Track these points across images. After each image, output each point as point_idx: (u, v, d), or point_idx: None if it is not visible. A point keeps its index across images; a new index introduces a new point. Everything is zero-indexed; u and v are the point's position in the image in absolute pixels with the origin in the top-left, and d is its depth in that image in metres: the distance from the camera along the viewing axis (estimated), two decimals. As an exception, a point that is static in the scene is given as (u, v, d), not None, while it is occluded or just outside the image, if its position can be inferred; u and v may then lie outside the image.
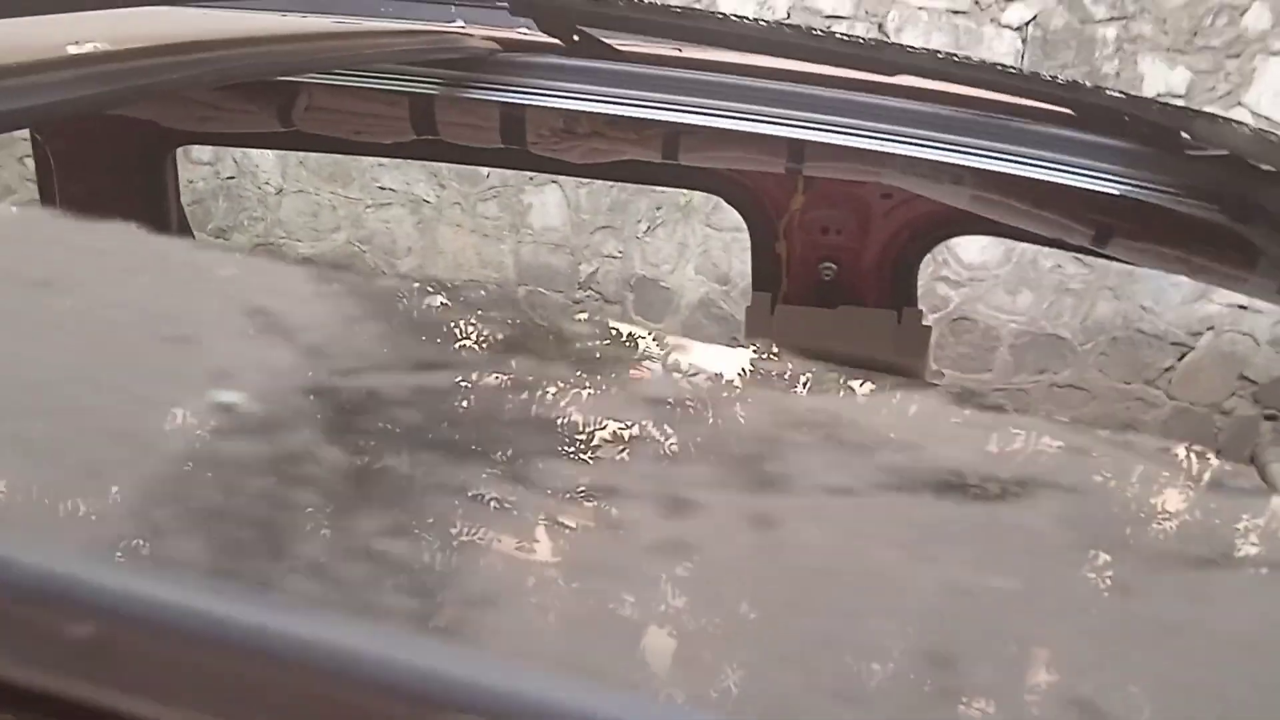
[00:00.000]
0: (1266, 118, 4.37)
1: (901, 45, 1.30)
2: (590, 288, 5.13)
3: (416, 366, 0.48)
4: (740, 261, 5.00)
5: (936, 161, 1.26)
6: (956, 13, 4.56)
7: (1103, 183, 1.20)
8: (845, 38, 1.19)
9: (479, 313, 0.61)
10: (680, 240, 5.00)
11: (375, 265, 5.23)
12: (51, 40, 0.66)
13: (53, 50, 0.65)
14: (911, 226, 1.60)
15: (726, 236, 4.97)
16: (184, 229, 2.02)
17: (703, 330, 5.07)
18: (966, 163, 1.23)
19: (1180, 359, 4.67)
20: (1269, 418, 4.65)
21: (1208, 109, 4.40)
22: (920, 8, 4.57)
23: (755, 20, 1.23)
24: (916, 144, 1.24)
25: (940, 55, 1.18)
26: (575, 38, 1.37)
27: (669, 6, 1.30)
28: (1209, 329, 4.60)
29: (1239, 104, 4.38)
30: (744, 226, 4.87)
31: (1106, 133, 1.22)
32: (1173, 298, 4.58)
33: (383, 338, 0.50)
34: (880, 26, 4.61)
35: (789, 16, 4.66)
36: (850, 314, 1.63)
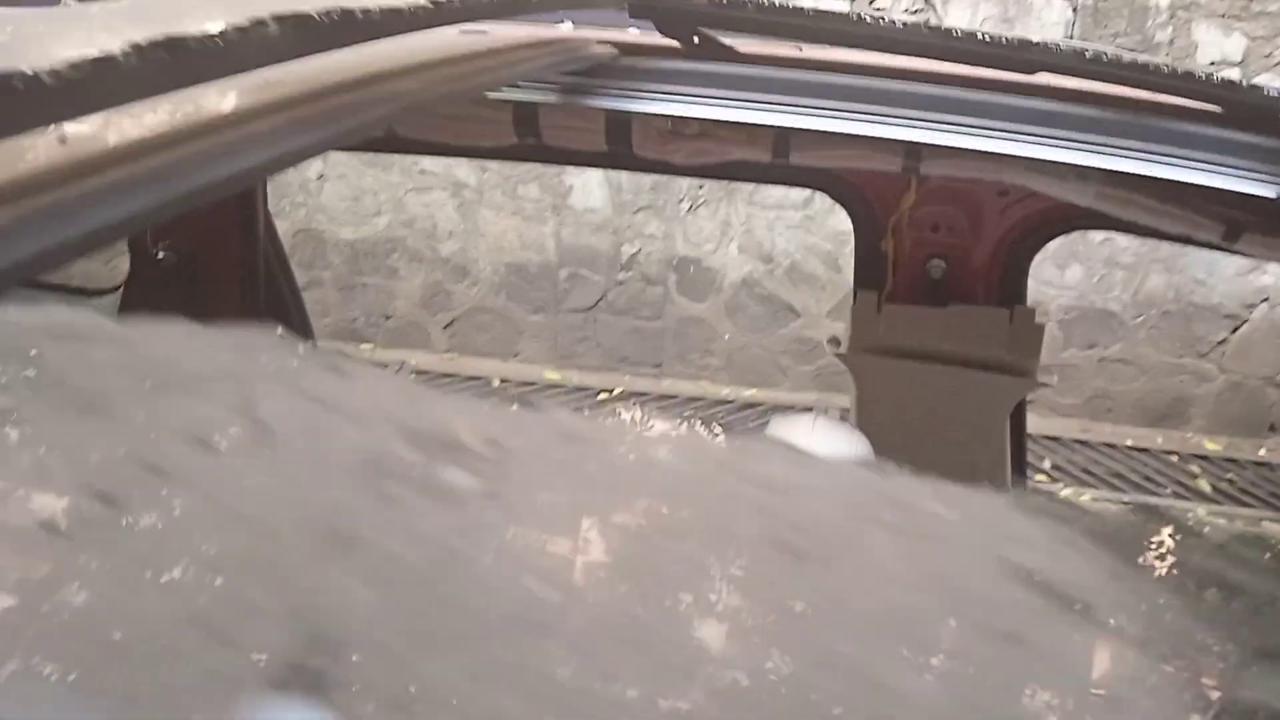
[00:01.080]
0: (1324, 85, 4.29)
1: (1047, 44, 1.26)
2: (633, 268, 5.10)
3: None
4: (783, 239, 4.96)
5: (1062, 161, 1.22)
6: (1004, -17, 4.48)
7: (1246, 182, 1.16)
8: (987, 37, 1.15)
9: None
10: (723, 219, 4.96)
11: (417, 249, 5.21)
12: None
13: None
14: (1026, 223, 1.57)
15: (770, 215, 4.93)
16: (270, 232, 2.00)
17: (747, 310, 5.04)
18: (1095, 163, 1.19)
19: (1233, 331, 4.62)
20: (1325, 390, 4.61)
21: (1263, 76, 4.32)
22: (967, -22, 4.50)
23: (891, 21, 1.20)
24: (1042, 143, 1.19)
25: (1088, 54, 1.14)
26: (695, 39, 1.33)
27: (797, 7, 1.27)
28: (1263, 300, 4.54)
29: (1296, 71, 4.31)
30: (787, 205, 4.83)
31: (1257, 130, 1.18)
32: (1226, 270, 4.52)
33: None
34: (928, 0, 4.54)
35: (832, -10, 4.59)
36: (961, 313, 1.60)
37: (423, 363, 5.30)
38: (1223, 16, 4.34)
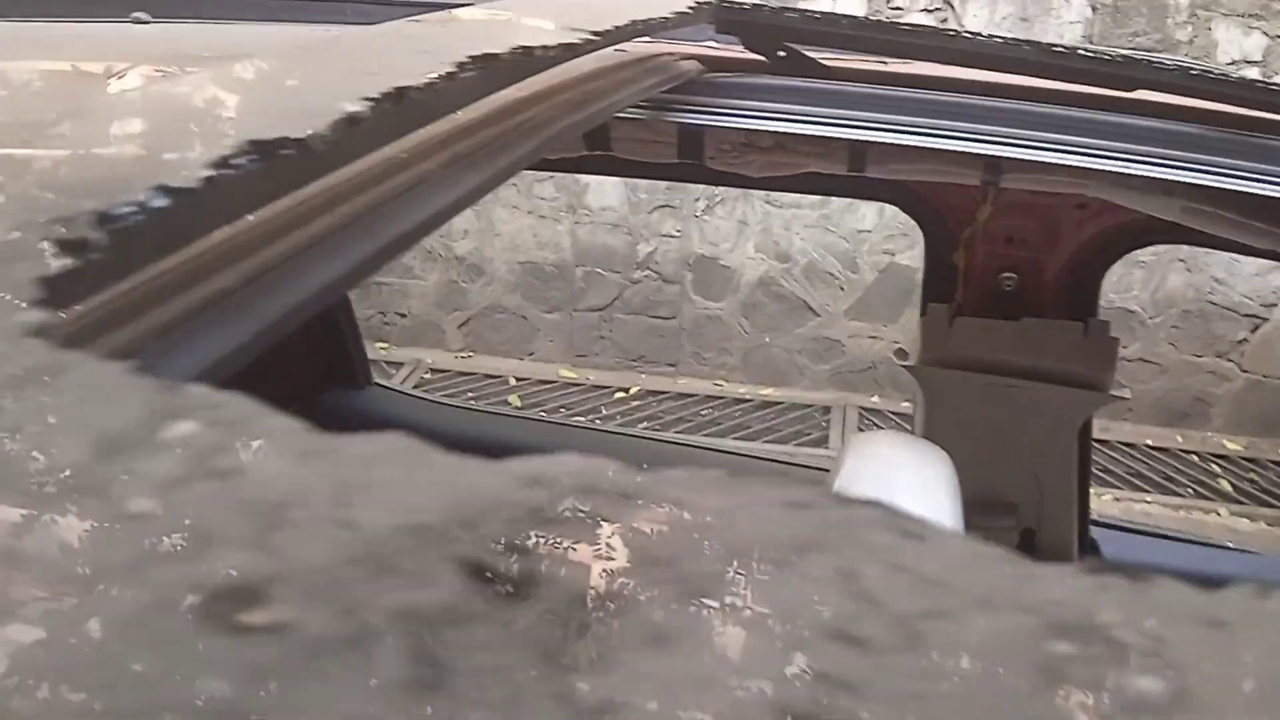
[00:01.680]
0: (1347, 84, 4.28)
1: (1150, 61, 1.24)
2: (649, 267, 5.08)
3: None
4: (800, 238, 4.94)
5: (1150, 177, 1.19)
6: (1024, -19, 4.46)
7: None
8: (1088, 53, 1.13)
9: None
10: (739, 218, 4.94)
11: (432, 247, 5.18)
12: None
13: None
14: (1103, 237, 1.55)
15: (787, 214, 4.91)
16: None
17: (764, 309, 5.02)
18: (1185, 178, 1.17)
19: (1253, 331, 4.61)
20: (1345, 389, 4.60)
21: (1285, 76, 4.31)
22: (987, -23, 4.48)
23: (989, 37, 1.17)
24: (1130, 159, 1.17)
25: (1194, 71, 1.12)
26: (781, 54, 1.31)
27: (889, 23, 1.24)
28: (1283, 300, 4.54)
29: (1318, 70, 4.29)
30: (804, 204, 4.81)
31: None
32: (1246, 269, 4.52)
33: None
34: (948, 0, 4.52)
35: (852, -12, 4.57)
36: (1034, 327, 1.58)
37: (438, 361, 5.28)
38: (1242, 15, 4.33)
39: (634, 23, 0.83)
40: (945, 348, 1.61)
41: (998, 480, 1.71)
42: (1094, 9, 4.44)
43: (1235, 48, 4.35)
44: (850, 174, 1.40)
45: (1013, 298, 1.60)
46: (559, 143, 0.86)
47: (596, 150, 1.44)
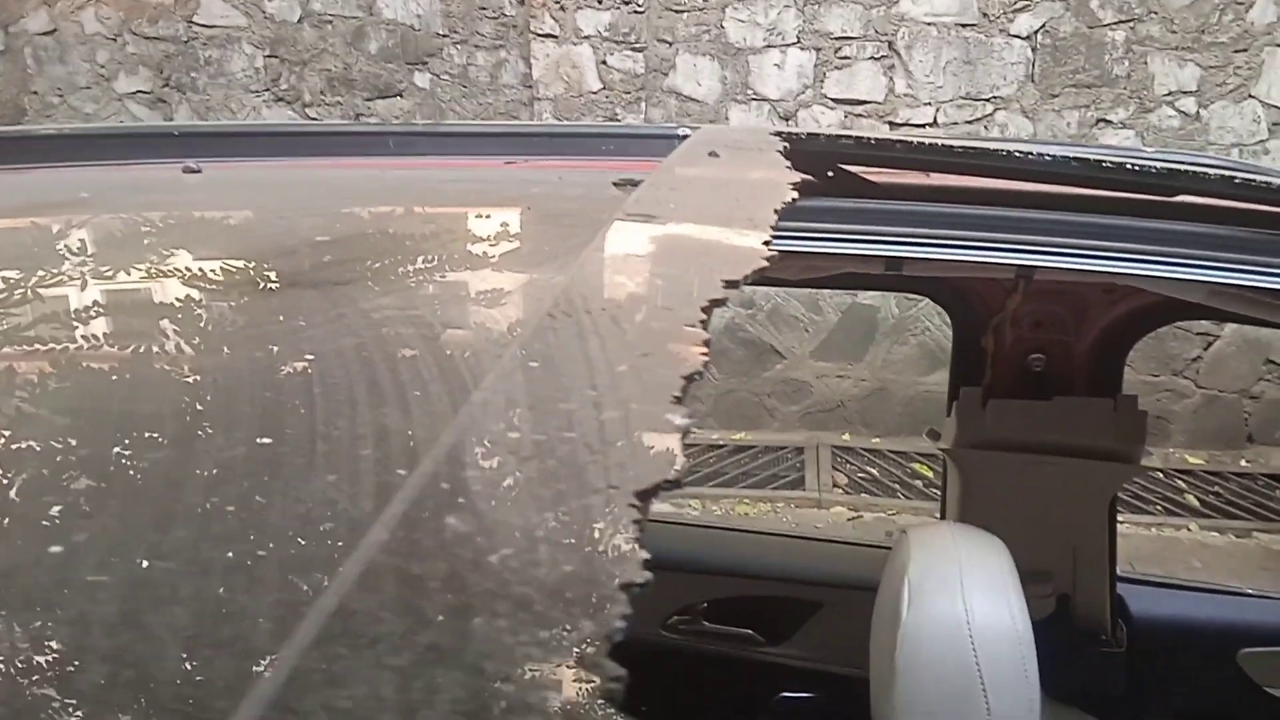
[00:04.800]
0: (1278, 107, 4.47)
1: (1194, 173, 1.29)
2: (616, 321, 5.10)
3: None
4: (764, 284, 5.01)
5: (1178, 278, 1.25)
6: (965, 26, 4.60)
7: None
8: (1136, 167, 1.19)
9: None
10: (703, 268, 4.99)
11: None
12: None
13: None
14: (1130, 317, 1.61)
15: (750, 261, 4.97)
16: None
17: (731, 354, 5.07)
18: (1214, 278, 1.22)
19: (1206, 348, 4.78)
20: (1297, 400, 4.77)
21: (1217, 104, 4.49)
22: (929, 23, 4.61)
23: (1039, 155, 1.23)
24: (1158, 263, 1.22)
25: (1237, 180, 1.18)
26: (830, 174, 1.36)
27: (940, 145, 1.29)
28: (1232, 317, 4.70)
29: (1250, 96, 4.48)
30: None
31: None
32: (1194, 289, 4.67)
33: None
34: (890, 45, 4.64)
35: (798, 40, 4.67)
36: (1066, 405, 1.64)
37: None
38: (1175, 49, 4.50)
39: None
40: (980, 429, 1.66)
41: (1034, 550, 1.76)
42: (1034, 49, 4.59)
43: (1171, 79, 4.52)
44: (888, 273, 1.44)
45: (1041, 377, 1.66)
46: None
47: None
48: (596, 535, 0.35)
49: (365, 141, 1.41)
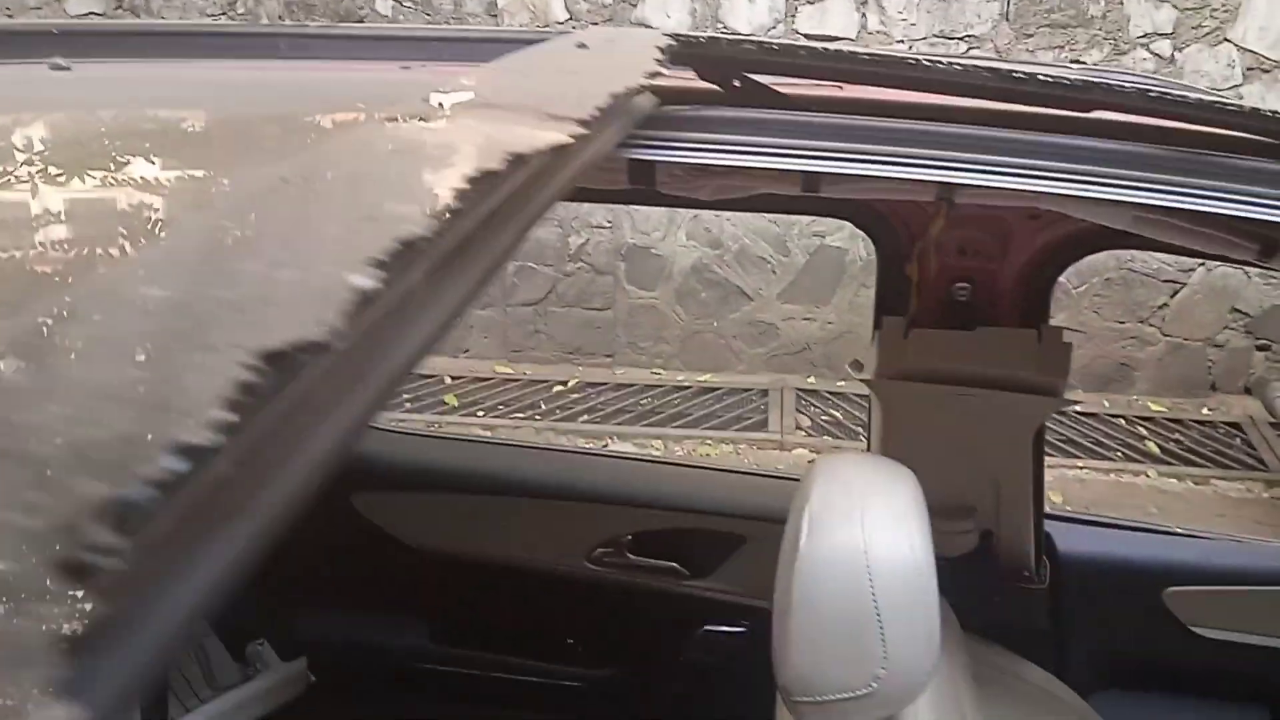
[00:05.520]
0: (1253, 51, 4.40)
1: (1109, 85, 1.25)
2: (581, 259, 5.04)
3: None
4: (731, 224, 4.95)
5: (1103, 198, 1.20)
6: (940, -39, 4.50)
7: None
8: (1048, 79, 1.14)
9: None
10: (669, 207, 4.92)
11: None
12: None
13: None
14: (1056, 244, 1.57)
15: (717, 199, 4.90)
16: None
17: (698, 296, 5.02)
18: (1140, 199, 1.18)
19: (1173, 296, 4.75)
20: (1261, 348, 4.76)
21: (1192, 46, 4.42)
22: (904, -43, 4.50)
23: (951, 63, 1.17)
24: (1083, 181, 1.18)
25: (1152, 94, 1.13)
26: (736, 84, 1.30)
27: (848, 53, 1.24)
28: (1200, 264, 4.67)
29: (1225, 40, 4.41)
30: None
31: None
32: (1163, 236, 4.63)
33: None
34: (864, -20, 4.54)
35: (771, -28, 4.56)
36: (989, 335, 1.60)
37: (370, 364, 5.19)
38: (1153, -12, 4.42)
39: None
40: (901, 360, 1.62)
41: (956, 485, 1.74)
42: (1009, -13, 4.49)
43: (1147, 20, 4.44)
44: (805, 194, 1.40)
45: (967, 307, 1.62)
46: (538, 217, 0.83)
47: None
48: (171, 392, 0.30)
49: (256, 44, 1.35)
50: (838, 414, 4.81)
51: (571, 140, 0.66)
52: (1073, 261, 1.62)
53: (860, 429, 4.66)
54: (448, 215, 0.49)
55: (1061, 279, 4.91)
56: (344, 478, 2.07)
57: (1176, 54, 4.46)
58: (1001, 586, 1.80)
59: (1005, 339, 1.59)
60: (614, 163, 1.42)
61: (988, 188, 1.20)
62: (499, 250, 0.67)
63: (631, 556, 1.97)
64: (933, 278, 1.60)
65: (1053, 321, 4.77)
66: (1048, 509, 1.94)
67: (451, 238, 0.51)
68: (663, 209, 4.92)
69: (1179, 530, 1.99)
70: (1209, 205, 1.18)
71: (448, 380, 5.09)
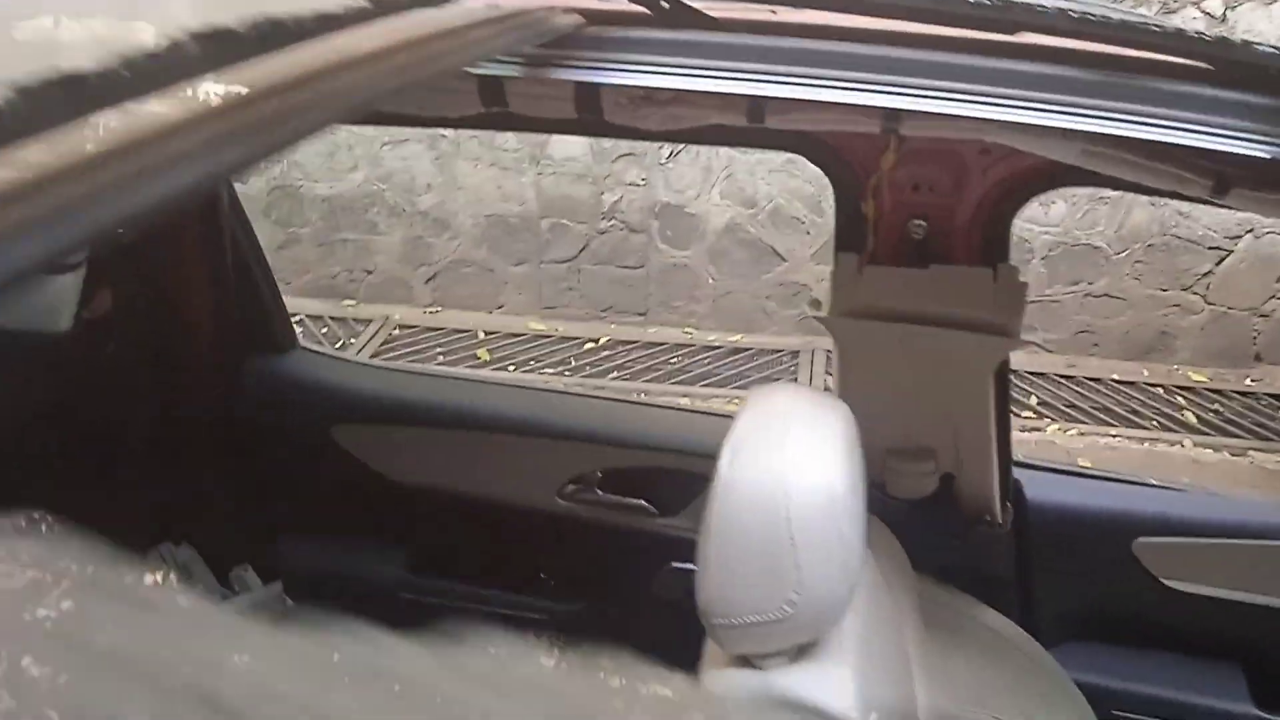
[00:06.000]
0: (1308, 11, 4.23)
1: (1032, 5, 1.23)
2: (614, 217, 5.05)
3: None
4: (765, 183, 4.92)
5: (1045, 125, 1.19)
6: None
7: (1238, 143, 1.13)
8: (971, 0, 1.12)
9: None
10: (704, 165, 4.91)
11: (395, 203, 5.15)
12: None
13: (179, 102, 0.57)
14: (1010, 181, 1.54)
15: (751, 159, 4.88)
16: (233, 200, 1.97)
17: (731, 256, 5.00)
18: (1079, 126, 1.16)
19: (1218, 264, 4.61)
20: (1309, 319, 4.61)
21: (1246, 5, 4.27)
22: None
23: None
24: (1023, 107, 1.17)
25: (1074, 14, 1.11)
26: (665, 4, 1.30)
27: None
28: (1247, 232, 4.53)
29: (1279, -2, 4.25)
30: (771, 149, 4.77)
31: (1248, 89, 1.15)
32: (1210, 201, 4.49)
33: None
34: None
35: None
36: (943, 273, 1.58)
37: (406, 317, 5.27)
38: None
39: None
40: (855, 297, 1.61)
41: (915, 426, 1.72)
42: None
43: (1196, -23, 4.29)
44: (751, 126, 1.39)
45: (923, 245, 1.60)
46: (385, 102, 0.85)
47: (494, 107, 1.43)
48: None
49: None
50: (867, 377, 4.76)
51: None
52: (1027, 199, 1.59)
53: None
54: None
55: (1102, 244, 4.79)
56: (325, 411, 2.13)
57: (1229, 13, 4.31)
58: (961, 530, 1.79)
59: (959, 277, 1.57)
60: (558, 90, 1.42)
61: (927, 113, 1.19)
62: (314, 109, 0.68)
63: (601, 493, 2.00)
64: (888, 214, 1.59)
65: (1093, 287, 4.69)
66: (1020, 458, 1.92)
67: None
68: (696, 168, 4.90)
69: (1152, 482, 1.96)
70: (1159, 135, 1.16)
71: (481, 335, 5.14)
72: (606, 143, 4.89)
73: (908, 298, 1.58)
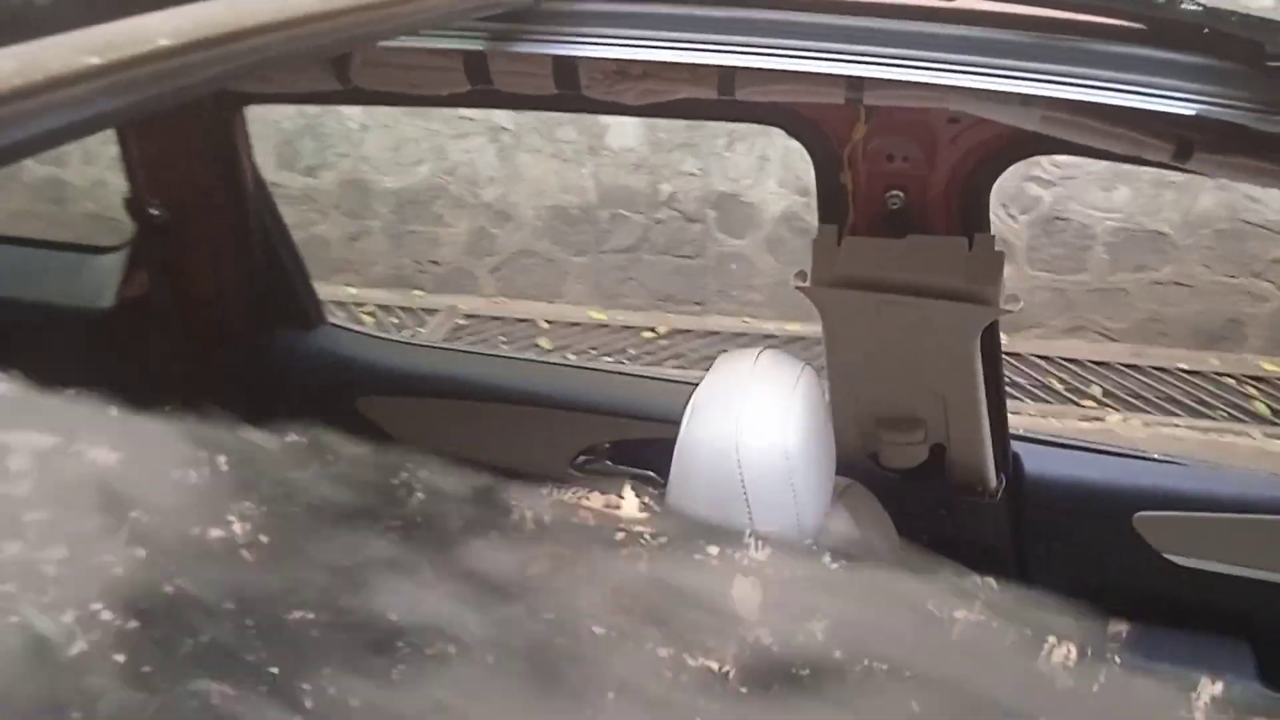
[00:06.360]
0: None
1: None
2: (672, 207, 5.10)
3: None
4: (823, 172, 4.91)
5: (993, 90, 1.21)
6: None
7: (1177, 102, 1.14)
8: None
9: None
10: (760, 154, 4.93)
11: (460, 195, 5.28)
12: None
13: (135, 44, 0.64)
14: (981, 150, 1.56)
15: (808, 147, 4.87)
16: (259, 185, 2.08)
17: (788, 244, 5.01)
18: (1033, 90, 1.18)
19: (1290, 249, 4.47)
20: (1388, 306, 4.43)
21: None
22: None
23: None
24: (978, 72, 1.19)
25: None
26: None
27: None
28: (1322, 216, 4.38)
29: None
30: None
31: (1181, 48, 1.16)
32: (1282, 185, 4.35)
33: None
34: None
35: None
36: (920, 243, 1.60)
37: (471, 307, 5.40)
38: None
39: None
40: (835, 267, 1.64)
41: (902, 396, 1.75)
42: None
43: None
44: (723, 98, 1.44)
45: (901, 216, 1.62)
46: (297, 64, 0.91)
47: (479, 84, 1.50)
48: None
49: None
50: (924, 365, 4.73)
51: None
52: (1001, 168, 1.60)
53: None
54: None
55: (1168, 230, 4.67)
56: (350, 382, 2.23)
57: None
58: (951, 501, 1.80)
59: (935, 247, 1.59)
60: (538, 65, 1.49)
61: (889, 80, 1.22)
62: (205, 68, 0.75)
63: (610, 464, 2.06)
64: (865, 185, 1.62)
65: (1159, 274, 4.61)
66: (1020, 431, 1.93)
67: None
68: (752, 157, 4.93)
69: (1154, 456, 1.94)
70: (1107, 98, 1.18)
71: (543, 324, 5.25)
72: (662, 133, 4.95)
73: (885, 267, 1.61)
